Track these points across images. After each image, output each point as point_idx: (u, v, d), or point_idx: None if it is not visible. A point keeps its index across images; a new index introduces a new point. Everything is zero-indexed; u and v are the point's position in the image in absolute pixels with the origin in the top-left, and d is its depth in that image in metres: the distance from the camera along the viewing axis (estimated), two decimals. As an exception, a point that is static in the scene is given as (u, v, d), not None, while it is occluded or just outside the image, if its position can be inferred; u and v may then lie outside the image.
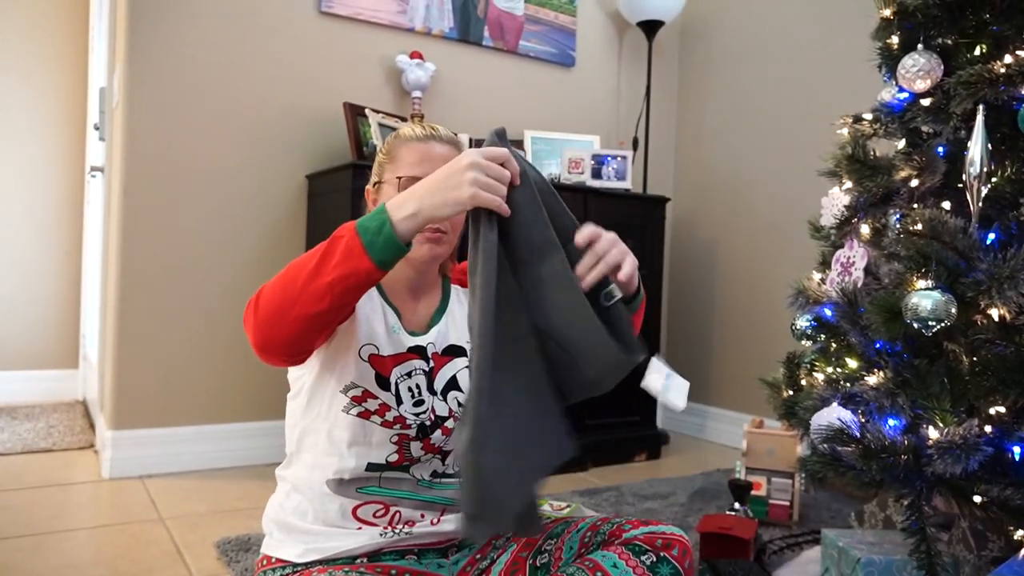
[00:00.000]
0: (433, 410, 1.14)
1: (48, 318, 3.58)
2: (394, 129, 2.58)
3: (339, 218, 2.38)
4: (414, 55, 2.80)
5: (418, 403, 1.13)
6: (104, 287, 2.69)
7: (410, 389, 1.13)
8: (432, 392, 1.15)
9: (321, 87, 2.70)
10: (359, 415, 1.10)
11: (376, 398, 1.11)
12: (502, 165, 0.93)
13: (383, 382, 1.11)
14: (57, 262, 3.59)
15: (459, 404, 1.17)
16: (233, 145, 2.56)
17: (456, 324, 1.22)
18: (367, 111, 2.56)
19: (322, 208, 2.57)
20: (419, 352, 1.16)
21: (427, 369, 1.16)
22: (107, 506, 2.12)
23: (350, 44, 2.76)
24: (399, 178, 1.14)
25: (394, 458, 1.12)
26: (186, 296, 2.50)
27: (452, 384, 1.17)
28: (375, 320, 1.14)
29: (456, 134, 1.22)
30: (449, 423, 1.15)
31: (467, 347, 1.20)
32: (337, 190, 2.43)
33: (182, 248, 2.49)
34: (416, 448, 1.13)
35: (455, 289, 1.27)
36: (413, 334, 1.17)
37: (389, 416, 1.11)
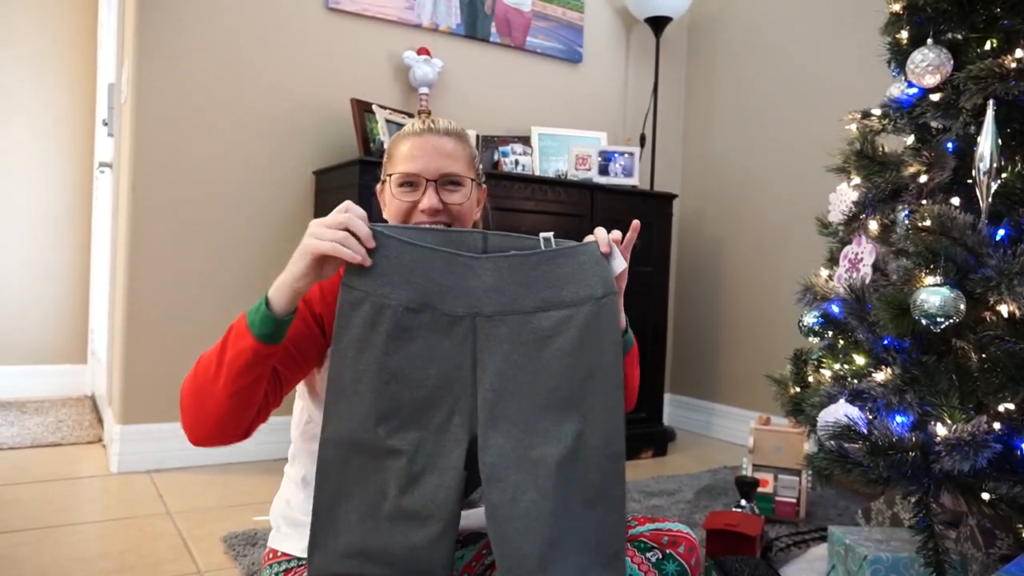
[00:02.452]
0: None
1: (57, 313, 3.60)
2: (400, 126, 2.59)
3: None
4: (421, 51, 2.80)
5: None
6: (113, 282, 2.70)
7: None
8: None
9: (328, 83, 2.70)
10: None
11: None
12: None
13: None
14: (66, 258, 3.61)
15: None
16: (241, 141, 2.57)
17: None
18: (374, 107, 2.56)
19: (329, 204, 2.55)
20: None
21: None
22: (115, 500, 2.13)
23: (357, 40, 2.76)
24: (389, 175, 1.13)
25: None
26: (194, 291, 2.50)
27: None
28: None
29: (462, 128, 1.19)
30: None
31: None
32: (344, 186, 2.43)
33: (190, 244, 2.50)
34: None
35: None
36: None
37: None
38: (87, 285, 3.64)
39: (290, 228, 2.64)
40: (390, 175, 1.13)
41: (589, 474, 0.92)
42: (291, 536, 1.14)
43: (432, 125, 1.13)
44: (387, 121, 2.55)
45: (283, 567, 1.13)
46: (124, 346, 2.42)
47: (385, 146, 2.46)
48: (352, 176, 2.36)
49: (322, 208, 2.62)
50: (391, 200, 1.13)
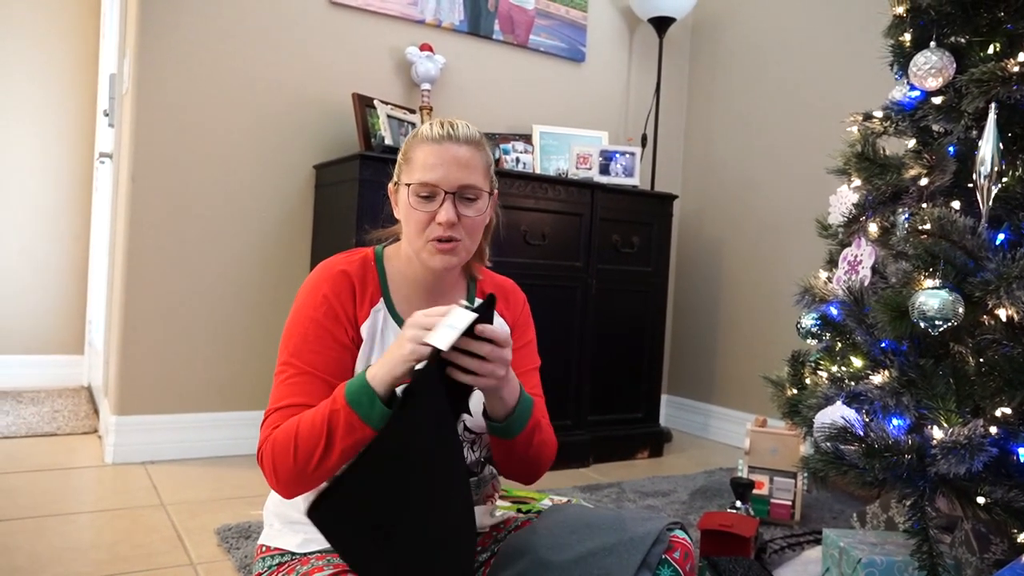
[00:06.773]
0: None
1: (54, 303, 3.59)
2: (402, 121, 2.58)
3: (346, 208, 2.38)
4: (424, 47, 2.79)
5: None
6: (111, 273, 2.69)
7: None
8: None
9: (331, 77, 2.70)
10: None
11: None
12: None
13: None
14: (64, 248, 3.61)
15: (466, 428, 1.14)
16: (242, 134, 2.56)
17: None
18: (376, 102, 2.56)
19: (329, 198, 2.57)
20: None
21: None
22: (109, 491, 2.13)
23: (360, 35, 2.76)
24: (408, 185, 1.09)
25: None
26: (192, 284, 2.50)
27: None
28: (379, 344, 1.11)
29: (480, 133, 1.14)
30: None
31: None
32: (344, 180, 2.43)
33: (189, 235, 2.49)
34: None
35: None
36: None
37: None
38: (85, 275, 3.64)
39: (289, 221, 2.63)
40: (408, 184, 1.09)
41: None
42: (284, 532, 1.14)
43: (452, 132, 1.09)
44: (388, 116, 2.54)
45: (276, 561, 1.12)
46: (121, 337, 2.42)
47: (387, 141, 2.47)
48: (352, 171, 2.36)
49: (322, 202, 2.62)
50: (410, 210, 1.10)
